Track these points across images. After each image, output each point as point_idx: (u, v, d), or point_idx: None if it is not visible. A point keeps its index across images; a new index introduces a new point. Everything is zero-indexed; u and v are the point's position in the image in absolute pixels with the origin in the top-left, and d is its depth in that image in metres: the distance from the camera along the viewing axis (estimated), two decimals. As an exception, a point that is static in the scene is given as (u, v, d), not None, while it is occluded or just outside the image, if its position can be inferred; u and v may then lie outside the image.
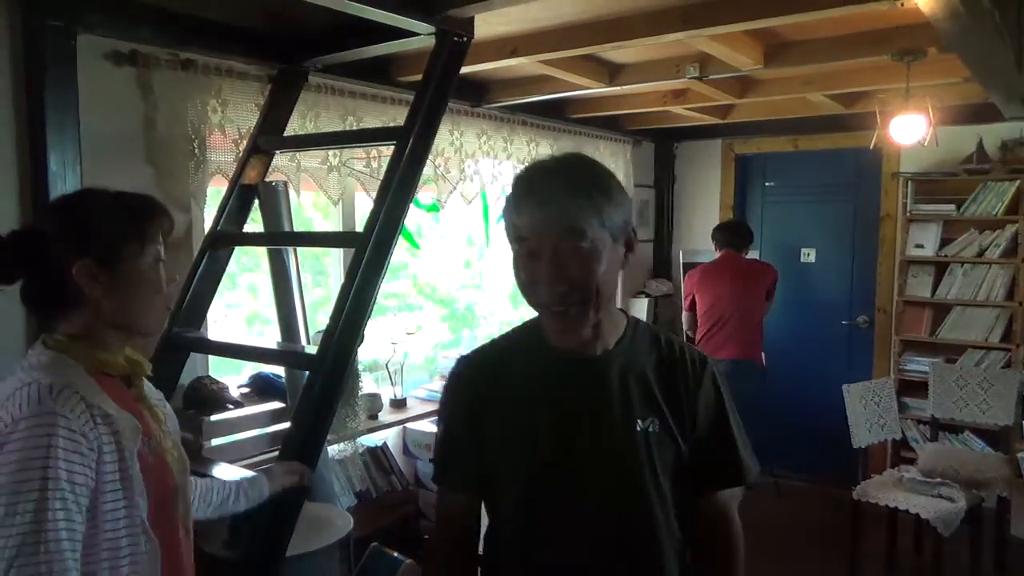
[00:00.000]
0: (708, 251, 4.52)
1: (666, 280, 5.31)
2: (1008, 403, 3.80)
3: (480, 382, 1.32)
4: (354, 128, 2.98)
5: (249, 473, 1.80)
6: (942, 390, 3.99)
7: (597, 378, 1.25)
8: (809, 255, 4.90)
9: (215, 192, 2.63)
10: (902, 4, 2.14)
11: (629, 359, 1.27)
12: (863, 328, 4.70)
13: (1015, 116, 3.89)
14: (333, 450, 2.92)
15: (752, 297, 4.15)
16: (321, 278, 3.61)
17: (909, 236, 4.36)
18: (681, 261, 4.98)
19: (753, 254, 4.60)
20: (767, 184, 5.09)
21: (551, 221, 1.13)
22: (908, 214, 4.33)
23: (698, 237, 5.26)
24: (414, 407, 3.44)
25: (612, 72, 3.33)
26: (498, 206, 4.10)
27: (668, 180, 5.36)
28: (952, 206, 4.20)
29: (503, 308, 4.63)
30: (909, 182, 4.32)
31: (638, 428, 1.23)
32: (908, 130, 3.13)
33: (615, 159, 4.72)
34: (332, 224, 3.36)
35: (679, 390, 1.27)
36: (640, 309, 5.07)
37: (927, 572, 3.31)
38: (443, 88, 2.18)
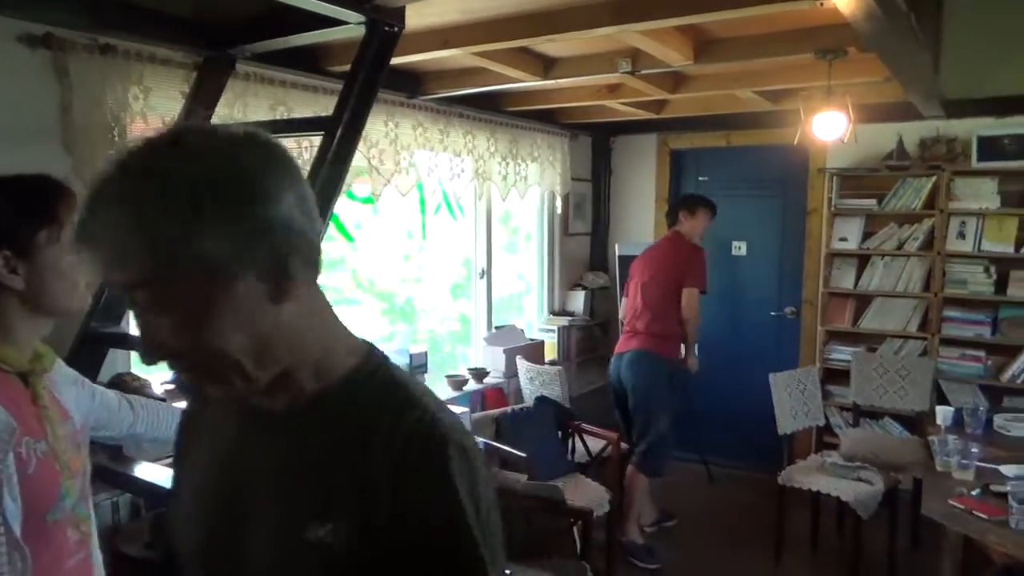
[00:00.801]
0: (644, 244, 4.59)
1: (603, 273, 5.38)
2: (924, 390, 3.98)
3: (185, 425, 1.02)
4: (284, 118, 2.93)
5: None
6: (863, 378, 4.16)
7: (270, 446, 0.86)
8: (740, 248, 5.02)
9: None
10: (822, 4, 2.21)
11: (327, 424, 0.84)
12: (790, 319, 4.86)
13: (933, 115, 4.08)
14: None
15: (656, 285, 3.91)
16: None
17: (834, 230, 4.52)
18: (617, 254, 5.05)
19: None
20: (700, 179, 5.20)
21: (95, 260, 0.75)
22: (833, 208, 4.49)
23: (634, 230, 5.35)
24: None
25: (547, 65, 3.35)
26: (435, 198, 4.09)
27: (604, 174, 5.42)
28: (874, 201, 4.37)
29: (443, 301, 4.62)
30: (834, 177, 4.48)
31: (307, 535, 0.79)
32: (829, 127, 3.24)
33: (552, 152, 4.75)
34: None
35: (378, 485, 0.79)
36: (577, 302, 5.13)
37: (848, 552, 3.45)
38: (373, 78, 2.16)
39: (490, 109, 4.13)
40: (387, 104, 3.47)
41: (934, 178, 4.17)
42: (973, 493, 2.45)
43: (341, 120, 2.08)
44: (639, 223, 5.34)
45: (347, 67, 2.27)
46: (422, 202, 4.07)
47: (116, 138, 2.43)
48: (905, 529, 3.71)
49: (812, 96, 3.42)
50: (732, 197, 5.06)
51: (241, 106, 2.79)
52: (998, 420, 3.25)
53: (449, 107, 3.86)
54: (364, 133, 2.33)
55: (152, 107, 2.53)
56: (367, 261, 4.26)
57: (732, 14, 2.39)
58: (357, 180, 3.48)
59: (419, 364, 3.73)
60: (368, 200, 3.66)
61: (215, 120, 2.58)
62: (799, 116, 3.42)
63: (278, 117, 2.91)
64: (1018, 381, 4.00)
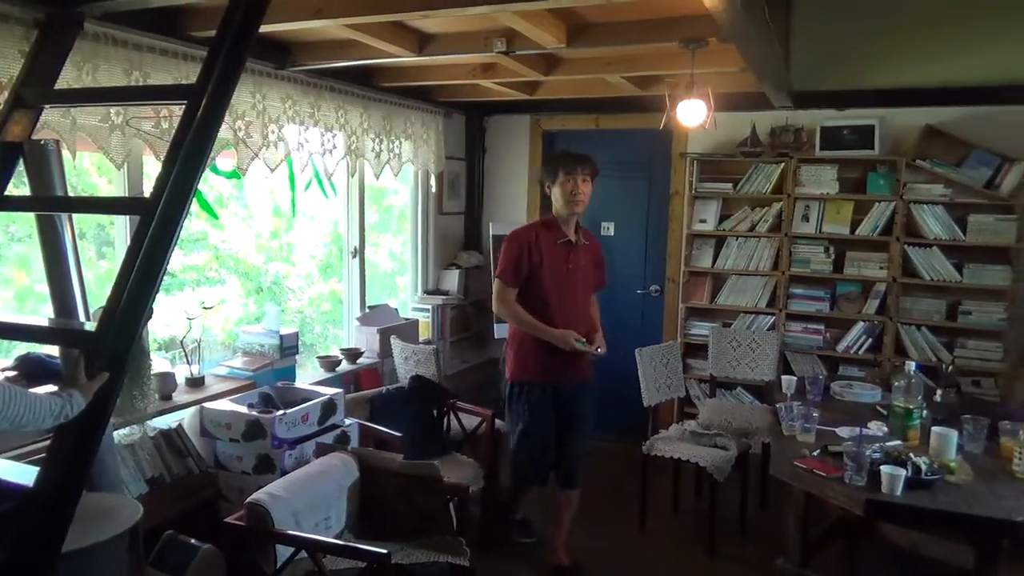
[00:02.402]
0: (517, 223, 4.64)
1: (476, 252, 5.42)
2: (771, 361, 4.31)
3: None
4: (140, 84, 2.73)
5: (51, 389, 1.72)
6: (719, 351, 4.45)
7: None
8: (609, 229, 5.20)
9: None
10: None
11: None
12: (655, 296, 5.10)
13: (783, 106, 4.38)
14: (119, 434, 2.70)
15: None
16: (108, 249, 3.29)
17: (694, 212, 4.78)
18: (491, 233, 5.10)
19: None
20: (572, 160, 5.31)
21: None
22: (694, 191, 4.74)
23: (508, 209, 5.41)
24: (213, 385, 3.26)
25: (422, 42, 3.31)
26: (305, 175, 3.95)
27: (479, 153, 5.44)
28: (730, 185, 4.66)
29: (313, 281, 4.49)
30: (695, 162, 4.72)
31: None
32: (692, 114, 3.41)
33: (427, 130, 4.71)
34: (118, 191, 3.06)
35: None
36: (451, 281, 5.15)
37: (705, 513, 3.69)
38: (240, 45, 2.04)
39: (363, 84, 4.03)
40: (254, 75, 3.31)
41: (783, 164, 4.49)
42: (814, 454, 2.68)
43: (206, 89, 1.97)
44: (513, 203, 5.41)
45: (211, 33, 2.14)
46: (292, 178, 3.92)
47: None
48: (755, 490, 4.02)
49: (677, 84, 3.58)
50: (601, 179, 5.19)
51: (91, 69, 2.57)
52: (834, 387, 3.57)
53: (320, 80, 3.73)
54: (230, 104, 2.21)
55: (-15, 66, 2.29)
56: (232, 239, 4.07)
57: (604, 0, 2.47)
58: (222, 153, 3.31)
59: (290, 345, 3.61)
60: (234, 175, 3.49)
61: (60, 84, 2.37)
62: (665, 102, 3.57)
63: (133, 83, 2.70)
64: (851, 351, 4.41)
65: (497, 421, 3.77)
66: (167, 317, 3.46)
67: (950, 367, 3.86)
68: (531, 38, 3.00)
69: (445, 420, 3.91)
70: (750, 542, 3.75)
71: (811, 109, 4.45)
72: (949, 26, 4.16)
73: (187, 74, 2.89)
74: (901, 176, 4.24)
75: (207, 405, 3.03)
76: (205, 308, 3.32)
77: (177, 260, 3.70)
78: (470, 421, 3.87)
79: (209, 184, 3.69)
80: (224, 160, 3.41)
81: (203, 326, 3.33)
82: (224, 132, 3.10)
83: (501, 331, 4.70)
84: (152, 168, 3.08)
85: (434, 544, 2.61)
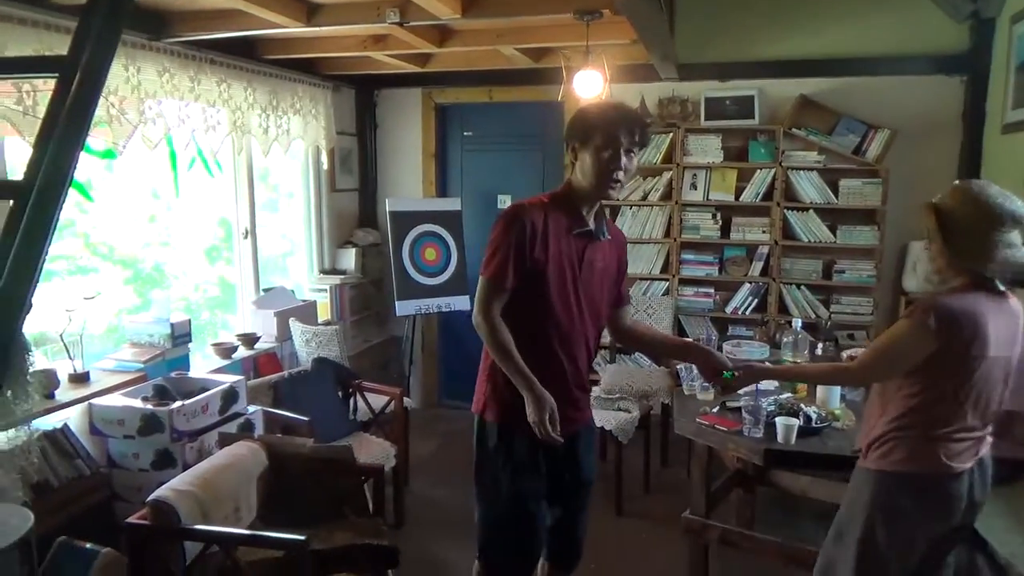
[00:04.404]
0: (415, 199, 4.59)
1: (373, 230, 5.31)
2: (667, 324, 4.49)
3: None
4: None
5: None
6: (618, 318, 4.58)
7: None
8: (505, 202, 5.22)
9: None
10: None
11: None
12: (554, 267, 5.17)
13: (669, 76, 4.51)
14: (-2, 440, 2.48)
15: None
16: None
17: (589, 183, 4.86)
18: (388, 210, 5.00)
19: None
20: (466, 133, 5.30)
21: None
22: (588, 163, 4.81)
23: (403, 185, 5.33)
24: (100, 380, 3.06)
25: (310, 11, 3.19)
26: (188, 153, 3.73)
27: (370, 128, 5.31)
28: (622, 156, 4.76)
29: (198, 266, 4.27)
30: (588, 134, 4.79)
31: None
32: (588, 85, 3.46)
33: (315, 105, 4.55)
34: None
35: None
36: (348, 260, 5.03)
37: (611, 474, 3.82)
38: (117, 12, 1.89)
39: (247, 57, 3.84)
40: (127, 46, 3.08)
41: (671, 135, 4.64)
42: (714, 410, 2.82)
43: (80, 61, 1.81)
44: (409, 178, 5.33)
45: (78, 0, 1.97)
46: (172, 157, 3.69)
47: None
48: (656, 449, 4.20)
49: (573, 56, 3.62)
50: (496, 152, 5.23)
51: (-64, 40, 2.31)
52: (726, 346, 3.75)
53: (200, 52, 3.52)
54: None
55: None
56: (103, 224, 3.80)
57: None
58: (93, 131, 3.07)
59: (182, 333, 3.43)
60: (108, 154, 3.25)
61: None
62: (559, 74, 3.61)
63: (-12, 55, 2.46)
64: (739, 312, 4.65)
65: (405, 400, 3.74)
66: (36, 311, 3.19)
67: (828, 322, 4.15)
68: (426, 8, 2.95)
69: (352, 401, 3.85)
70: (655, 498, 3.92)
71: (696, 81, 4.62)
72: (820, 1, 4.42)
73: (51, 46, 2.66)
74: (779, 144, 4.47)
75: (95, 402, 2.84)
76: (87, 299, 3.09)
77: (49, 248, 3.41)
78: (377, 400, 3.82)
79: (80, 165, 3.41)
80: (95, 138, 3.17)
81: (83, 318, 3.10)
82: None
83: (404, 308, 4.66)
84: (15, 148, 2.82)
85: (351, 527, 2.58)
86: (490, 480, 2.19)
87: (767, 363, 3.47)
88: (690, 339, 2.94)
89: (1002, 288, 1.93)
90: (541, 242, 2.08)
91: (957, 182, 1.98)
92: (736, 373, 2.24)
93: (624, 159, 2.09)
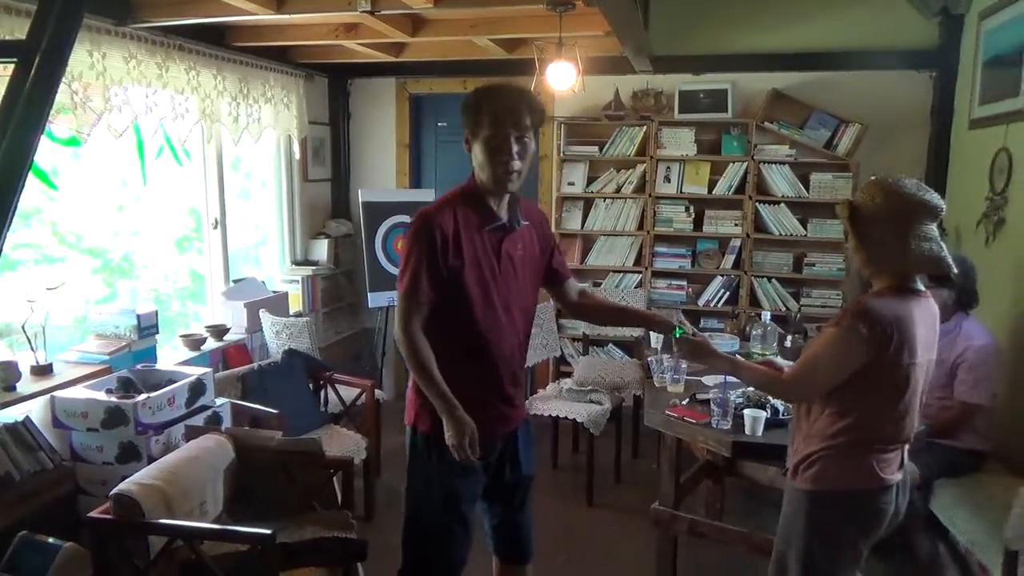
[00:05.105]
0: (388, 190, 4.55)
1: (346, 220, 5.27)
2: (640, 317, 4.50)
3: None
4: (-47, 40, 2.41)
5: None
6: (592, 310, 4.59)
7: None
8: (480, 193, 5.20)
9: None
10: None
11: None
12: (528, 259, 5.16)
13: (643, 69, 4.52)
14: (-43, 433, 2.44)
15: None
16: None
17: (563, 175, 4.87)
18: (361, 200, 4.97)
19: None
20: (440, 124, 5.26)
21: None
22: (562, 155, 4.82)
23: (377, 176, 5.29)
24: (63, 372, 3.00)
25: (280, -2, 3.14)
26: (156, 141, 3.66)
27: (343, 117, 5.26)
28: (596, 148, 4.77)
29: (168, 256, 4.20)
30: (562, 125, 4.79)
31: None
32: (561, 77, 3.45)
33: (287, 93, 4.49)
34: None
35: None
36: (320, 251, 4.99)
37: (583, 466, 3.84)
38: (76, -2, 1.85)
39: (216, 44, 3.78)
40: (91, 31, 3.02)
41: (644, 128, 4.65)
42: (684, 402, 2.84)
43: (40, 46, 1.76)
44: (382, 169, 5.29)
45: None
46: (140, 145, 3.63)
47: None
48: (628, 441, 4.22)
49: (546, 47, 3.60)
50: (471, 143, 5.19)
51: None
52: (698, 339, 3.79)
53: (168, 38, 3.45)
54: (67, 63, 2.00)
55: None
56: (71, 213, 3.72)
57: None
58: (56, 119, 3.00)
59: (148, 325, 3.38)
60: (72, 142, 3.19)
61: None
62: (533, 65, 3.59)
63: (-56, 38, 2.39)
64: (711, 304, 4.69)
65: (377, 392, 3.72)
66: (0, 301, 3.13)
67: (798, 315, 4.19)
68: (397, -3, 2.92)
69: (322, 393, 3.82)
70: (625, 489, 3.95)
71: (670, 74, 4.63)
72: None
73: (11, 29, 2.59)
74: (752, 138, 4.50)
75: (58, 394, 2.79)
76: (50, 289, 3.03)
77: (8, 238, 3.34)
78: (348, 393, 3.79)
79: (41, 152, 3.34)
80: (59, 125, 3.10)
81: (46, 309, 3.04)
82: (60, 95, 2.81)
83: (377, 300, 4.63)
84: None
85: (320, 520, 2.56)
86: (422, 485, 2.11)
87: (737, 355, 3.50)
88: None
89: (922, 288, 1.89)
90: (454, 247, 1.97)
91: (873, 177, 1.90)
92: (688, 332, 2.13)
93: (516, 146, 1.94)
